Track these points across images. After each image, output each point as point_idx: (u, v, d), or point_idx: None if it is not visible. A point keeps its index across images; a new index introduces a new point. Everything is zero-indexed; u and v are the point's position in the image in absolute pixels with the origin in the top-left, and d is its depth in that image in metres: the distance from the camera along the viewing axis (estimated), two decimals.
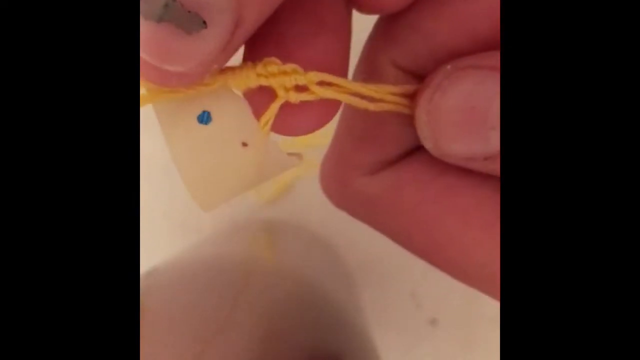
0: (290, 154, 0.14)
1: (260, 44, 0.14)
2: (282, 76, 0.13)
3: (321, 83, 0.14)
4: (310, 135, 0.14)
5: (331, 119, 0.14)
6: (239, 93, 0.14)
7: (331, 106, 0.14)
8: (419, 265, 0.44)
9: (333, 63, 0.14)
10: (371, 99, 0.14)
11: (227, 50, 0.12)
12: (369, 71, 0.15)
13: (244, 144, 0.14)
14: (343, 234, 0.44)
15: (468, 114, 0.13)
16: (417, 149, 0.15)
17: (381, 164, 0.15)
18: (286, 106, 0.14)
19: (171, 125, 0.13)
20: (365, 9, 0.14)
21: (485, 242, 0.14)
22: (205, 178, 0.14)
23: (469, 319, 0.45)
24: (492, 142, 0.13)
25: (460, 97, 0.13)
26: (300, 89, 0.13)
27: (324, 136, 0.17)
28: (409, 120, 0.14)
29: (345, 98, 0.14)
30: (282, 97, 0.13)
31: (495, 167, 0.13)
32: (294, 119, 0.14)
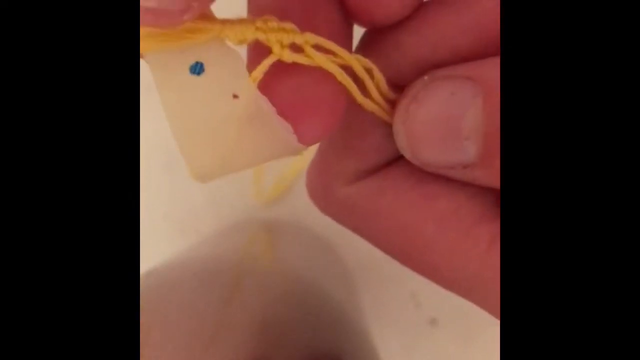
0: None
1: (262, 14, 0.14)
2: (280, 32, 0.13)
3: (317, 47, 0.14)
4: None
5: (335, 122, 0.14)
6: (233, 47, 0.14)
7: (335, 112, 0.14)
8: None
9: (337, 38, 0.14)
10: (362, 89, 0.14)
11: None
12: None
13: (235, 96, 0.13)
14: (343, 234, 0.44)
15: (443, 124, 0.13)
16: (398, 158, 0.15)
17: (363, 173, 0.16)
18: (293, 114, 0.14)
19: (164, 76, 0.13)
20: (358, 21, 0.15)
21: (462, 247, 0.14)
22: (198, 135, 0.13)
23: (469, 319, 0.45)
24: (468, 151, 0.13)
25: (435, 107, 0.13)
26: (295, 50, 0.14)
27: None
28: (390, 130, 0.15)
29: (336, 70, 0.14)
30: (277, 54, 0.14)
31: (474, 175, 0.13)
32: (300, 127, 0.14)
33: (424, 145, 0.14)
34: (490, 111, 0.13)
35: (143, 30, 0.13)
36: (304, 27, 0.14)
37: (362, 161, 0.15)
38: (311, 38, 0.14)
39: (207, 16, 0.13)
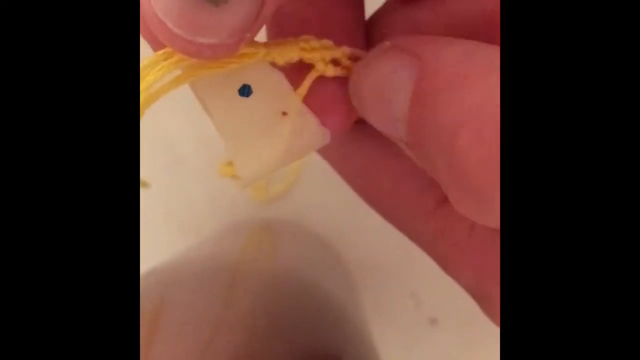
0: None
1: (281, 24, 0.15)
2: (322, 50, 0.15)
3: (351, 57, 0.15)
4: None
5: (352, 121, 0.15)
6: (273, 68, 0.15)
7: (352, 110, 0.15)
8: (419, 266, 0.45)
9: (353, 41, 0.15)
10: None
11: (259, 20, 0.12)
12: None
13: (284, 113, 0.15)
14: (343, 234, 0.44)
15: (377, 99, 0.14)
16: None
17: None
18: (315, 109, 0.15)
19: (214, 99, 0.14)
20: None
21: (412, 204, 0.16)
22: (249, 148, 0.14)
23: (469, 319, 0.45)
24: (400, 131, 0.13)
25: (375, 80, 0.14)
26: (335, 63, 0.15)
27: None
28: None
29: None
30: (321, 70, 0.15)
31: (411, 154, 0.14)
32: (325, 120, 0.15)
33: (368, 112, 0.15)
34: (418, 98, 0.13)
35: (193, 62, 0.13)
36: (323, 34, 0.15)
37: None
38: (347, 50, 0.15)
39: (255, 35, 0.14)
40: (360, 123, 0.16)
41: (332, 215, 0.44)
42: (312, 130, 0.15)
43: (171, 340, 0.24)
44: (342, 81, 0.15)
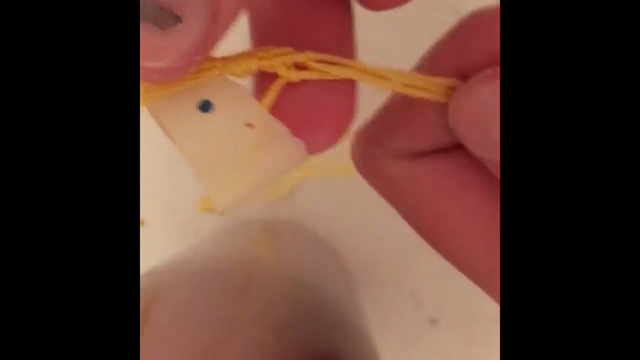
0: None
1: (268, 37, 0.15)
2: (282, 56, 0.14)
3: (320, 61, 0.14)
4: None
5: (345, 130, 0.15)
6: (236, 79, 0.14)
7: (343, 119, 0.15)
8: (419, 265, 0.45)
9: (341, 44, 0.15)
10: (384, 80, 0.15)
11: (209, 41, 0.12)
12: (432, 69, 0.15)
13: (249, 125, 0.14)
14: (343, 235, 0.44)
15: (475, 122, 0.13)
16: (451, 148, 0.15)
17: (413, 153, 0.16)
18: (298, 126, 0.14)
19: (174, 120, 0.14)
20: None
21: (483, 239, 0.15)
22: (218, 169, 0.14)
23: (469, 319, 0.45)
24: (495, 154, 0.13)
25: (474, 103, 0.13)
26: (300, 68, 0.14)
27: None
28: (446, 117, 0.15)
29: (348, 74, 0.14)
30: (285, 76, 0.14)
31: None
32: (309, 137, 0.14)
33: (465, 135, 0.14)
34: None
35: (145, 85, 0.13)
36: (311, 39, 0.14)
37: (414, 141, 0.15)
38: (312, 55, 0.14)
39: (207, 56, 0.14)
40: (434, 159, 0.15)
41: (332, 215, 0.44)
42: (284, 143, 0.14)
43: (172, 340, 0.24)
44: (329, 90, 0.14)
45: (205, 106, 0.14)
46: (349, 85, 0.15)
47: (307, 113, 0.14)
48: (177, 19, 0.11)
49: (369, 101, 0.17)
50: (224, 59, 0.14)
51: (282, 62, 0.14)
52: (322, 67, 0.14)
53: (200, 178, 0.14)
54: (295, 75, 0.14)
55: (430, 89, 0.14)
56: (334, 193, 0.44)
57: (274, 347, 0.24)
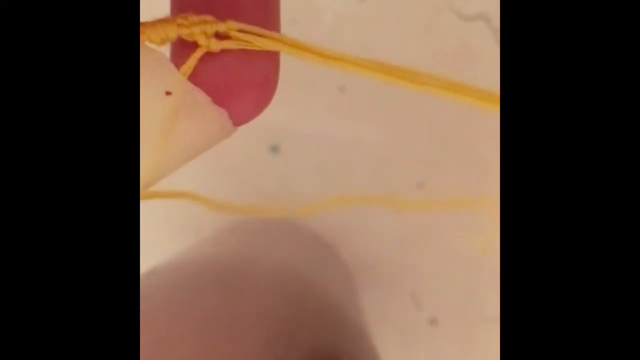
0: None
1: (187, 4, 0.14)
2: (202, 24, 0.14)
3: (242, 32, 0.14)
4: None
5: (268, 100, 0.14)
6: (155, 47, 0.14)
7: (266, 88, 0.14)
8: (419, 265, 0.45)
9: (264, 14, 0.14)
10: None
11: None
12: None
13: (168, 93, 0.14)
14: (343, 234, 0.44)
15: None
16: None
17: None
18: (220, 95, 0.14)
19: None
20: None
21: None
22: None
23: (469, 319, 0.45)
24: None
25: None
26: (222, 37, 0.14)
27: None
28: None
29: (271, 45, 0.14)
30: (204, 45, 0.14)
31: None
32: (232, 106, 0.14)
33: None
34: None
35: None
36: (228, 7, 0.14)
37: None
38: (234, 25, 0.14)
39: None
40: None
41: (332, 215, 0.44)
42: (206, 112, 0.14)
43: (172, 339, 0.24)
44: (251, 62, 0.14)
45: None
46: (271, 55, 0.14)
47: (227, 82, 0.14)
48: None
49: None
50: (142, 24, 0.14)
51: (202, 30, 0.14)
52: (246, 37, 0.14)
53: None
54: (216, 45, 0.14)
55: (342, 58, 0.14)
56: (333, 192, 0.44)
57: (274, 347, 0.24)
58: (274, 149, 0.43)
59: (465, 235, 0.43)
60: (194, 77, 0.14)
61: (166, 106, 0.13)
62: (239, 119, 0.14)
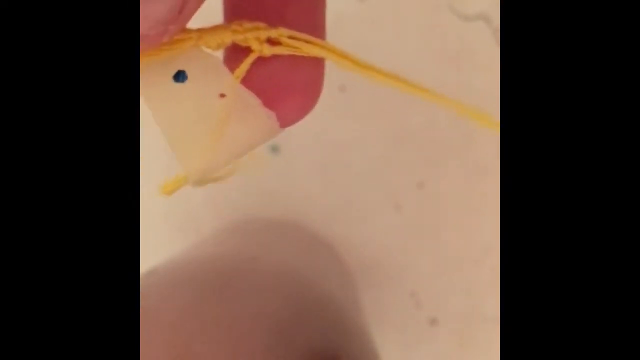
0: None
1: (240, 10, 0.15)
2: (255, 30, 0.14)
3: (291, 38, 0.15)
4: None
5: (313, 104, 0.15)
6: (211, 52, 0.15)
7: (312, 93, 0.15)
8: (419, 265, 0.45)
9: (311, 24, 0.15)
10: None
11: (184, 12, 0.12)
12: None
13: (222, 96, 0.14)
14: (343, 234, 0.44)
15: None
16: None
17: None
18: (269, 98, 0.14)
19: (150, 90, 0.14)
20: None
21: None
22: (190, 137, 0.14)
23: (469, 319, 0.45)
24: None
25: None
26: (273, 43, 0.15)
27: None
28: None
29: (318, 52, 0.15)
30: (257, 50, 0.14)
31: None
32: (279, 109, 0.14)
33: None
34: None
35: None
36: (278, 16, 0.15)
37: None
38: (285, 31, 0.14)
39: (183, 28, 0.14)
40: None
41: (332, 215, 0.44)
42: (256, 114, 0.14)
43: (172, 339, 0.24)
44: (299, 68, 0.15)
45: (180, 76, 0.14)
46: (317, 62, 0.15)
47: (277, 86, 0.15)
48: None
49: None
50: (199, 30, 0.14)
51: (255, 36, 0.14)
52: (294, 44, 0.14)
53: (172, 148, 0.14)
54: (268, 50, 0.14)
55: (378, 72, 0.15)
56: (334, 193, 0.44)
57: (274, 347, 0.24)
58: (274, 149, 0.43)
59: (465, 235, 0.43)
60: (245, 81, 0.14)
61: (219, 108, 0.14)
62: (285, 121, 0.15)
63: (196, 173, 0.14)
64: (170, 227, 0.46)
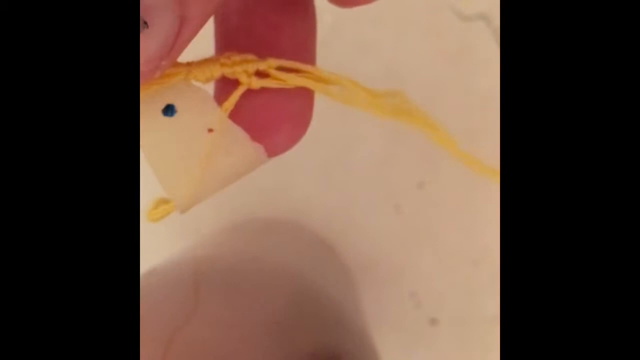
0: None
1: (231, 40, 0.15)
2: (244, 63, 0.15)
3: (280, 68, 0.15)
4: None
5: (303, 133, 0.15)
6: (200, 85, 0.15)
7: (301, 122, 0.15)
8: (419, 265, 0.45)
9: (302, 51, 0.15)
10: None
11: (176, 47, 0.12)
12: None
13: (210, 130, 0.14)
14: (343, 234, 0.44)
15: None
16: None
17: None
18: (259, 129, 0.15)
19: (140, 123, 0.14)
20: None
21: None
22: (178, 171, 0.14)
23: (469, 319, 0.45)
24: None
25: None
26: (261, 75, 0.15)
27: None
28: None
29: (305, 83, 0.15)
30: (246, 83, 0.15)
31: None
32: (269, 139, 0.15)
33: None
34: None
35: None
36: (269, 45, 0.15)
37: None
38: (273, 62, 0.15)
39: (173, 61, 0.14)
40: None
41: (332, 215, 0.44)
42: (243, 147, 0.15)
43: (171, 340, 0.23)
44: (288, 98, 0.15)
45: (169, 110, 0.14)
46: (306, 92, 0.15)
47: (267, 117, 0.15)
48: (145, 24, 0.12)
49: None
50: (188, 64, 0.14)
51: (243, 69, 0.15)
52: (281, 76, 0.15)
53: (160, 180, 0.14)
54: (256, 83, 0.15)
55: (374, 101, 0.15)
56: (334, 193, 0.44)
57: (274, 347, 0.24)
58: None
59: (465, 235, 0.43)
60: (236, 112, 0.15)
61: (207, 142, 0.14)
62: (275, 150, 0.15)
63: (183, 203, 0.14)
64: (170, 227, 0.46)
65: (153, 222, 0.15)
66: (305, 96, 0.15)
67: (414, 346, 0.46)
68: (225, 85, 0.15)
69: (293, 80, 0.15)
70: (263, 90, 0.15)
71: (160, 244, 0.45)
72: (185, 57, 0.14)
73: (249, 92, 0.15)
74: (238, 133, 0.14)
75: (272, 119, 0.15)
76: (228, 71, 0.15)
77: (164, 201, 0.16)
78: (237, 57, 0.15)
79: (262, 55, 0.15)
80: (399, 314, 0.45)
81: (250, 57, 0.15)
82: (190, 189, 0.14)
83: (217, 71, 0.15)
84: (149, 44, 0.12)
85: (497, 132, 0.13)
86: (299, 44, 0.15)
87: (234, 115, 0.15)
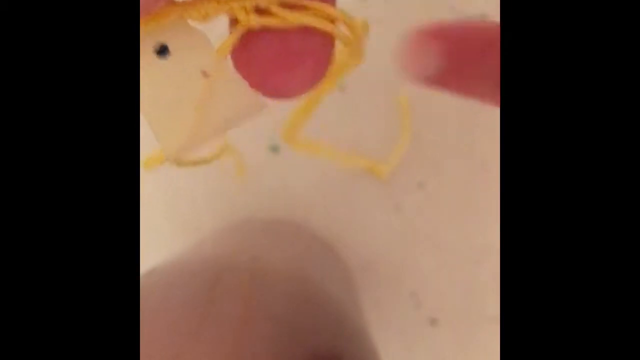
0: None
1: None
2: (241, 0, 0.13)
3: (283, 5, 0.14)
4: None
5: (322, 76, 0.14)
6: (196, 25, 0.14)
7: (323, 60, 0.14)
8: (419, 265, 0.45)
9: None
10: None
11: None
12: None
13: (205, 74, 0.14)
14: (343, 234, 0.44)
15: None
16: None
17: None
18: (275, 65, 0.14)
19: None
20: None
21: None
22: (170, 116, 0.13)
23: (469, 319, 0.45)
24: None
25: None
26: (262, 13, 0.14)
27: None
28: None
29: (310, 21, 0.14)
30: (244, 20, 0.13)
31: None
32: (284, 78, 0.14)
33: None
34: None
35: None
36: None
37: None
38: None
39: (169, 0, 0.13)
40: None
41: (332, 215, 0.44)
42: (239, 92, 0.14)
43: (172, 339, 0.24)
44: (310, 35, 0.14)
45: (162, 50, 0.13)
46: (327, 35, 0.14)
47: (285, 53, 0.14)
48: None
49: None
50: (184, 3, 0.14)
51: (241, 6, 0.13)
52: (283, 13, 0.14)
53: (150, 124, 0.13)
54: (256, 21, 0.13)
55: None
56: (334, 193, 0.44)
57: (275, 347, 0.24)
58: (274, 149, 0.43)
59: (465, 235, 0.43)
60: (254, 45, 0.14)
61: (203, 85, 0.13)
62: (292, 91, 0.14)
63: (175, 151, 0.13)
64: (170, 227, 0.46)
65: (147, 169, 0.15)
66: (325, 37, 0.14)
67: (414, 346, 0.46)
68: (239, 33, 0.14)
69: (297, 19, 0.14)
70: (284, 28, 0.14)
71: (160, 244, 0.45)
72: None
73: (268, 29, 0.14)
74: (235, 77, 0.14)
75: (290, 56, 0.14)
76: (225, 8, 0.13)
77: (159, 155, 0.15)
78: None
79: None
80: (399, 314, 0.45)
81: None
82: (182, 136, 0.13)
83: (213, 10, 0.14)
84: None
85: (497, 132, 0.13)
86: None
87: (254, 48, 0.14)
